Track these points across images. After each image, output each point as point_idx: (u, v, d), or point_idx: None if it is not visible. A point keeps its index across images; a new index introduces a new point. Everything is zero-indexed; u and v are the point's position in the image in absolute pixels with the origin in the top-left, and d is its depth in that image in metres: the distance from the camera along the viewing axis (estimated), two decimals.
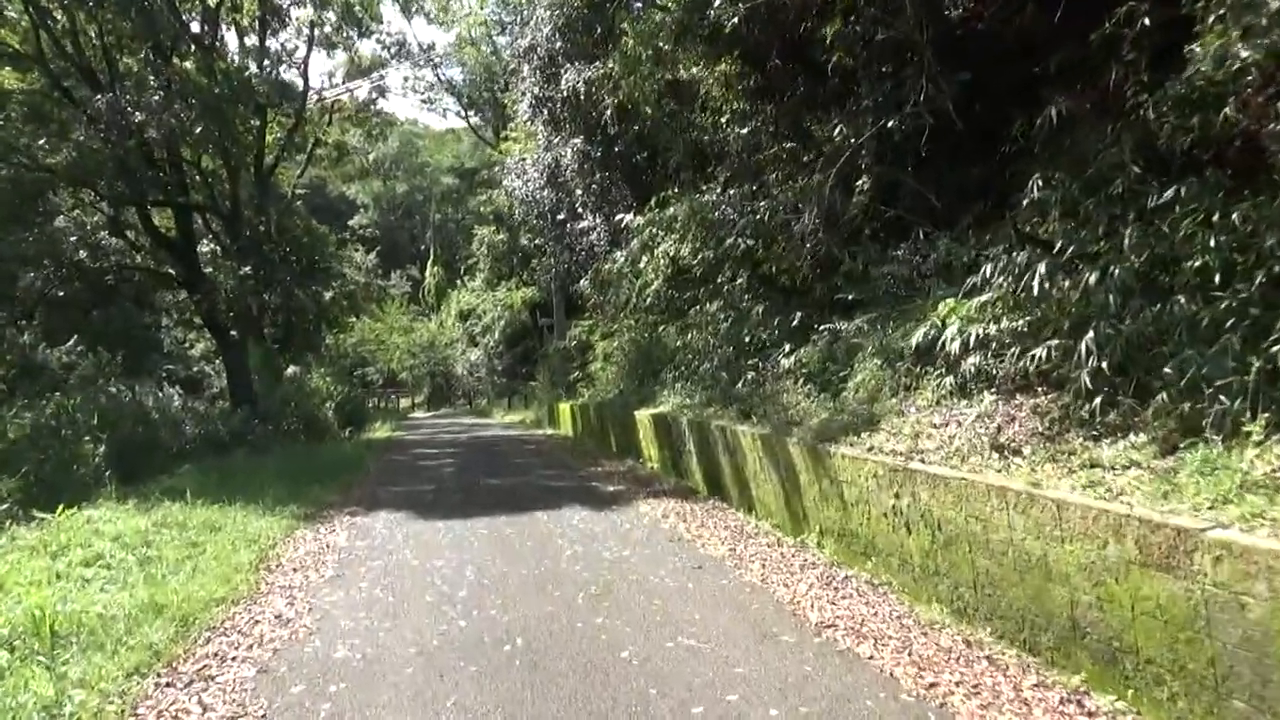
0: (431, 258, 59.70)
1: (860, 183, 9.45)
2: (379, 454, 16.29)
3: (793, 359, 9.68)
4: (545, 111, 18.91)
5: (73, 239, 19.90)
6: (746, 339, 11.20)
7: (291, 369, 33.40)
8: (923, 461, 5.63)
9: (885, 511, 5.93)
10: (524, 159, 21.93)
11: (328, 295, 22.91)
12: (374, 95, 38.38)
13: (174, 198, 21.79)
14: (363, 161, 43.53)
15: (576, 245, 19.81)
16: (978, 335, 6.25)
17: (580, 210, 19.31)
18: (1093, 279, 5.45)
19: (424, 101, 53.50)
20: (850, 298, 9.80)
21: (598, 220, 18.42)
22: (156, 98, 17.89)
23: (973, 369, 6.27)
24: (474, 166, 43.72)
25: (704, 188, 13.66)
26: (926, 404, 6.64)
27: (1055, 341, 5.40)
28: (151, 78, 19.19)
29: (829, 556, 6.50)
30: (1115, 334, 5.12)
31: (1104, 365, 5.01)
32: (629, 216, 14.30)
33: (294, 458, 13.96)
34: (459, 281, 48.87)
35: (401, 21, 61.26)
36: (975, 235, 8.38)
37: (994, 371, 6.20)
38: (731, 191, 13.17)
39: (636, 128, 17.85)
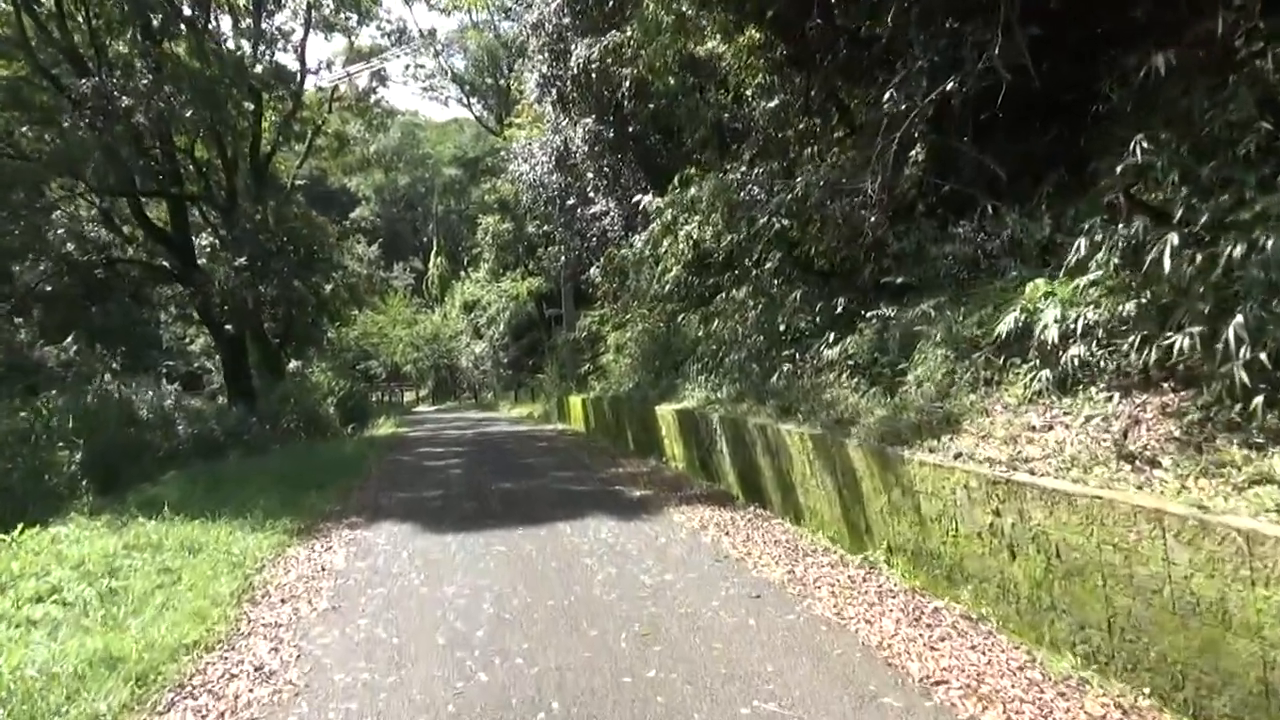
0: (435, 249, 58.74)
1: (913, 154, 8.49)
2: (382, 453, 15.38)
3: (837, 349, 8.76)
4: (554, 91, 17.95)
5: (60, 230, 18.97)
6: (781, 327, 10.26)
7: (294, 364, 32.60)
8: (1031, 473, 4.69)
9: (979, 531, 5.00)
10: (531, 143, 20.96)
11: (327, 287, 21.96)
12: (374, 84, 37.47)
13: (167, 188, 20.90)
14: (363, 152, 42.46)
15: (587, 231, 18.86)
16: (1084, 321, 5.32)
17: (591, 194, 18.36)
18: (1237, 252, 4.51)
19: (425, 89, 52.46)
20: (899, 281, 8.87)
21: (610, 204, 17.46)
22: (145, 81, 16.96)
23: (1075, 361, 5.33)
24: (477, 155, 42.67)
25: (728, 166, 12.70)
26: (1016, 401, 5.71)
27: (1197, 329, 4.46)
28: (139, 61, 18.26)
29: (905, 580, 5.57)
30: (1271, 318, 4.19)
31: (1263, 356, 4.09)
32: (646, 198, 13.34)
33: (292, 459, 13.06)
34: (463, 273, 47.95)
35: (402, 9, 60.14)
36: (1051, 208, 7.44)
37: (1102, 364, 5.26)
38: (758, 170, 12.23)
39: (652, 106, 16.91)
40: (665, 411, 12.25)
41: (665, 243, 12.45)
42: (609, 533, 7.23)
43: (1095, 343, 5.32)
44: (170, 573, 5.94)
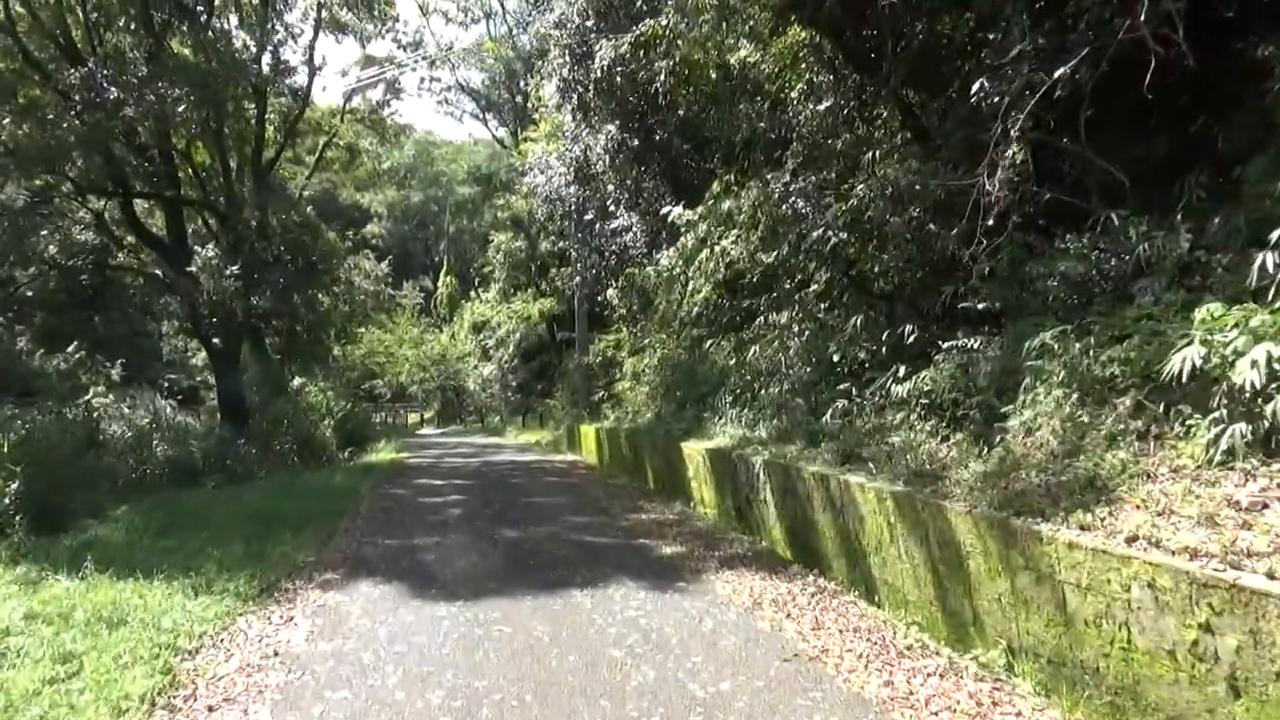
0: (445, 267, 57.65)
1: (1009, 155, 7.09)
2: (376, 484, 13.95)
3: (908, 385, 7.36)
4: (574, 97, 16.70)
5: (45, 232, 17.73)
6: (835, 357, 8.86)
7: (298, 382, 31.29)
8: (1272, 576, 3.28)
9: (1172, 648, 3.58)
10: (548, 155, 19.71)
11: (325, 301, 20.64)
12: (388, 96, 36.46)
13: (161, 191, 19.69)
14: (375, 165, 41.39)
15: (606, 248, 17.55)
16: None
17: (612, 208, 17.06)
18: None
19: (440, 102, 51.57)
20: (980, 307, 7.51)
21: (633, 218, 16.15)
22: (141, 73, 15.79)
23: None
24: (491, 172, 41.57)
25: (769, 177, 11.38)
26: (1193, 464, 4.29)
27: None
28: (132, 53, 17.12)
29: (1049, 701, 4.14)
30: None
31: None
32: (676, 210, 12.01)
33: (273, 490, 11.67)
34: (473, 293, 46.74)
35: (419, 20, 59.61)
36: (1187, 219, 6.06)
37: None
38: (803, 180, 10.91)
39: (681, 113, 15.64)
40: (694, 450, 10.85)
41: (698, 259, 11.09)
42: (639, 608, 5.80)
43: None
44: (71, 660, 4.54)
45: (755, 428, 10.55)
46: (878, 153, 9.59)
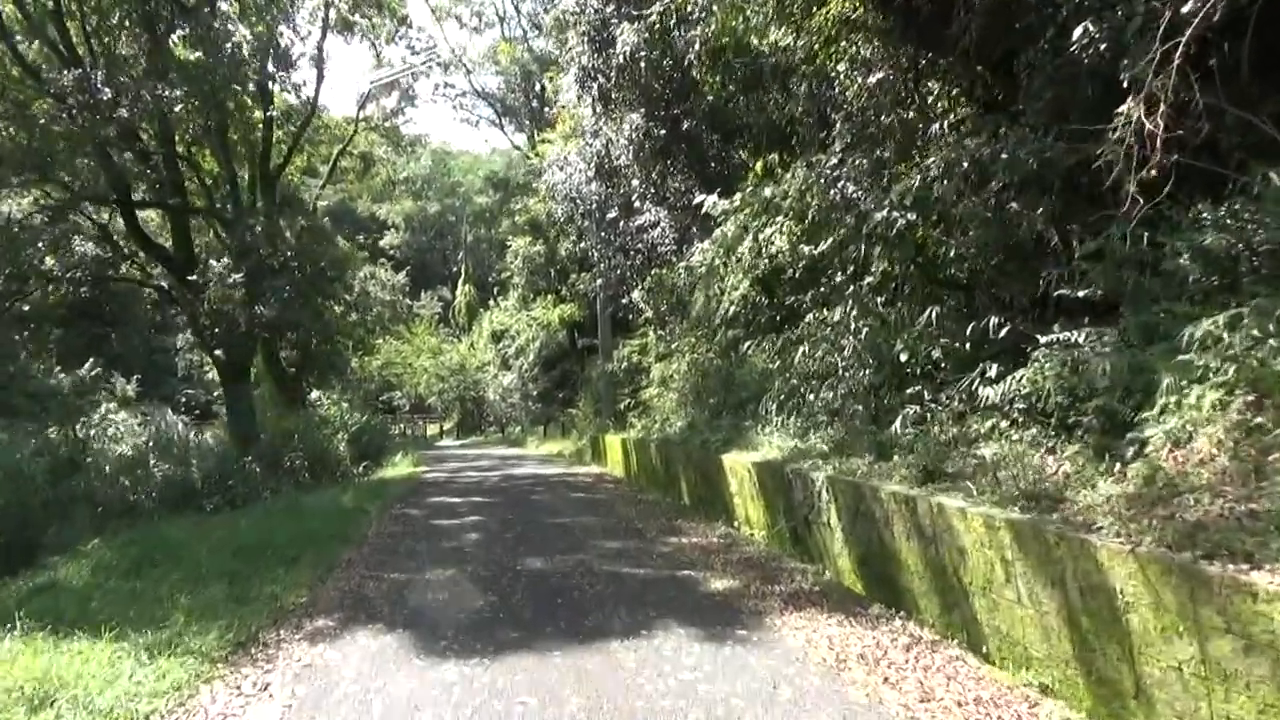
0: (463, 276, 56.80)
1: (1124, 113, 5.91)
2: (388, 504, 12.87)
3: (1002, 387, 6.23)
4: (594, 86, 15.68)
5: (40, 244, 16.86)
6: (903, 356, 7.72)
7: (315, 395, 30.48)
8: None
9: None
10: (567, 152, 18.66)
11: (338, 309, 19.65)
12: (402, 104, 35.68)
13: (165, 198, 18.85)
14: (390, 173, 40.56)
15: (631, 247, 16.47)
16: None
17: (637, 204, 16.00)
18: None
19: (456, 108, 50.81)
20: (1081, 294, 6.37)
21: (660, 214, 15.06)
22: (137, 72, 14.92)
23: None
24: (508, 177, 40.63)
25: (813, 160, 10.27)
26: None
27: None
28: (129, 50, 16.26)
29: None
30: None
31: None
32: (710, 199, 10.92)
33: (274, 514, 10.63)
34: (491, 302, 45.83)
35: (434, 28, 59.01)
36: None
37: None
38: (855, 160, 9.80)
39: (710, 99, 14.58)
40: (736, 463, 9.72)
41: (738, 251, 9.98)
42: (695, 668, 4.68)
43: None
44: None
45: (806, 437, 9.44)
46: (945, 123, 8.43)
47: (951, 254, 7.53)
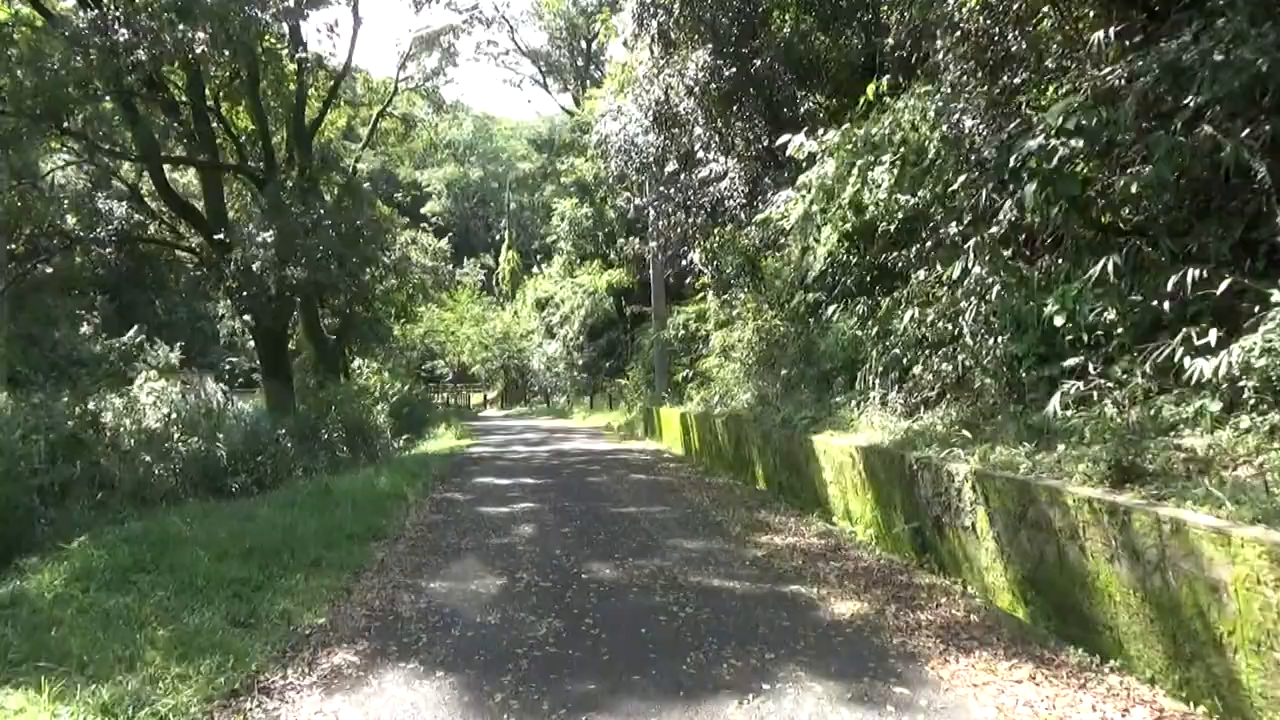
0: (506, 243, 55.58)
1: None
2: (429, 486, 11.61)
3: (1224, 358, 4.74)
4: (654, 23, 14.13)
5: (64, 200, 15.82)
6: (1058, 320, 6.18)
7: (358, 363, 29.56)
8: None
9: None
10: (620, 103, 17.09)
11: (372, 273, 18.40)
12: (444, 63, 34.33)
13: (195, 155, 17.73)
14: (431, 134, 39.23)
15: (693, 203, 14.92)
16: None
17: (700, 153, 14.45)
18: None
19: (498, 65, 49.34)
20: None
21: (729, 164, 13.50)
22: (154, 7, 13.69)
23: None
24: (553, 138, 39.08)
25: (921, 91, 8.67)
26: None
27: None
28: None
29: None
30: None
31: None
32: (797, 139, 9.36)
33: (303, 498, 9.40)
34: (534, 269, 44.56)
35: None
36: None
37: None
38: (973, 92, 8.19)
39: (787, 31, 12.96)
40: (831, 446, 8.27)
41: (840, 198, 8.44)
42: None
43: None
44: None
45: (916, 416, 7.99)
46: (1108, 31, 6.79)
47: (1131, 191, 5.94)
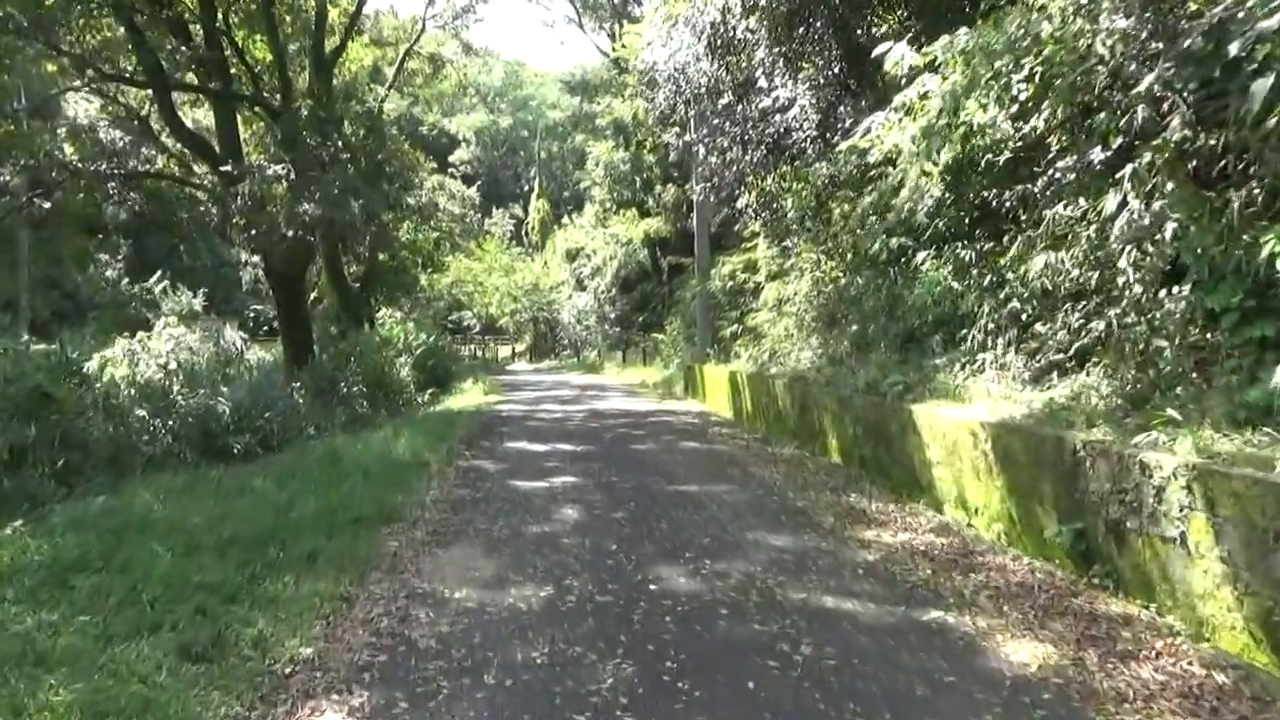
0: (536, 192, 53.96)
1: None
2: (454, 451, 10.20)
3: None
4: None
5: (61, 129, 14.46)
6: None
7: (384, 313, 28.25)
8: None
9: None
10: (671, 25, 15.35)
11: (397, 214, 16.92)
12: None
13: (205, 82, 16.30)
14: (461, 76, 37.43)
15: (751, 136, 13.27)
16: None
17: (762, 81, 12.78)
18: None
19: (532, 2, 47.11)
20: None
21: (799, 90, 11.83)
22: None
23: None
24: (587, 79, 37.14)
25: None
26: None
27: None
28: None
29: None
30: None
31: None
32: (899, 48, 7.72)
33: (309, 465, 8.08)
34: (565, 220, 42.96)
35: None
36: None
37: None
38: None
39: None
40: (941, 420, 6.78)
41: (964, 112, 6.81)
42: None
43: None
44: None
45: (1046, 384, 6.53)
46: None
47: None
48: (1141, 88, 5.45)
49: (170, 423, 9.80)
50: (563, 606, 4.49)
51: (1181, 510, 4.20)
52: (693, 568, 5.15)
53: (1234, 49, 4.70)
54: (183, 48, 15.66)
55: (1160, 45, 5.67)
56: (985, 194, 8.78)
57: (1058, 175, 7.33)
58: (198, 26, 15.99)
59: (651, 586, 4.79)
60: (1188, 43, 5.07)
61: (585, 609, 4.45)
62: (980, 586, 4.69)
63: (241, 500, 6.32)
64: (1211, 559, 4.04)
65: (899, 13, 11.85)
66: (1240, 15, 4.75)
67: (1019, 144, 7.85)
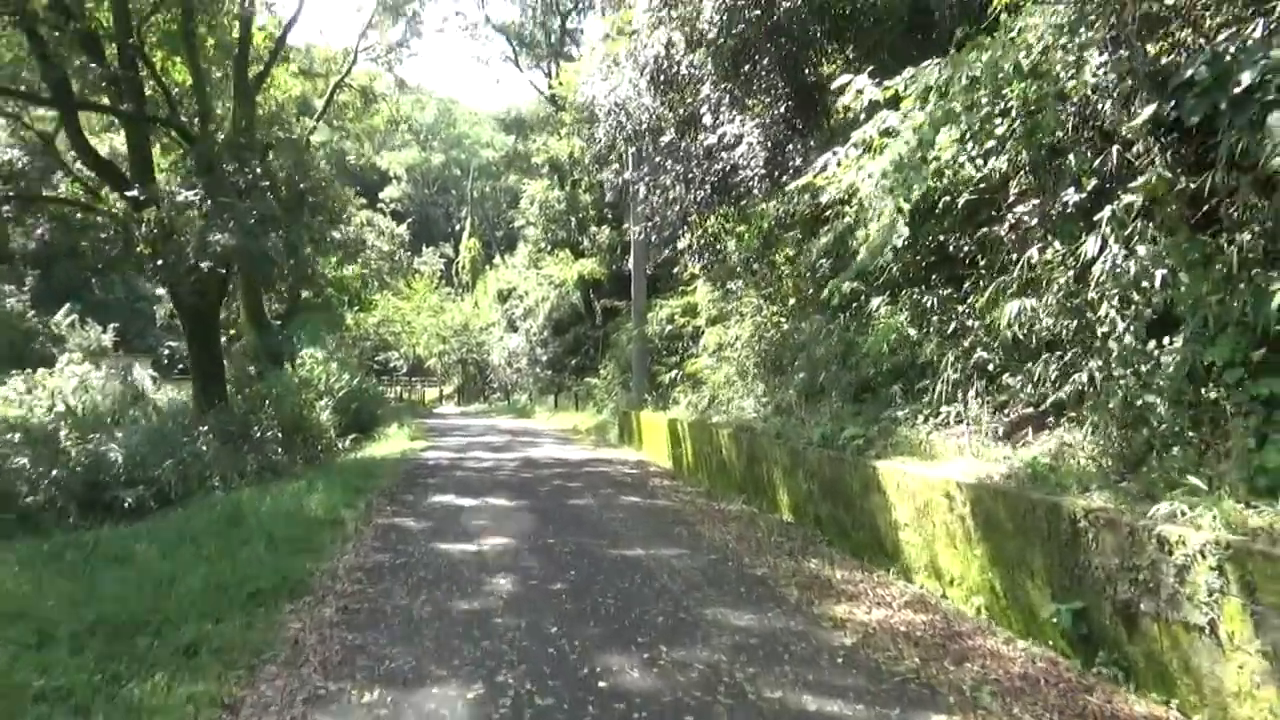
0: (467, 231, 53.09)
1: None
2: (374, 506, 9.30)
3: None
4: None
5: None
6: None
7: (307, 352, 26.97)
8: None
9: None
10: (614, 55, 14.89)
11: (316, 246, 15.95)
12: (407, 34, 32.01)
13: (116, 103, 15.24)
14: (393, 110, 36.58)
15: (695, 174, 12.80)
16: None
17: (708, 118, 12.38)
18: None
19: (469, 37, 46.83)
20: None
21: (746, 126, 11.42)
22: None
23: None
24: (522, 117, 36.61)
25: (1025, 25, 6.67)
26: None
27: None
28: None
29: None
30: None
31: None
32: (859, 80, 7.30)
33: (203, 529, 7.16)
34: (496, 260, 42.20)
35: None
36: None
37: None
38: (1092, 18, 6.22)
39: None
40: (910, 478, 6.23)
41: (931, 150, 6.37)
42: None
43: None
44: None
45: (1020, 441, 6.10)
46: None
47: None
48: (1138, 121, 5.05)
49: (55, 472, 8.72)
50: (495, 714, 3.73)
51: (1211, 594, 3.68)
52: (648, 656, 4.44)
53: (1246, 78, 4.31)
54: (93, 65, 14.64)
55: (1148, 78, 5.32)
56: (943, 238, 8.45)
57: (1023, 218, 7.00)
58: (111, 44, 15.03)
59: (600, 684, 4.06)
60: (1189, 72, 4.67)
61: (523, 716, 3.69)
62: (979, 680, 4.09)
63: (117, 571, 5.39)
64: (1250, 653, 3.51)
65: (847, 52, 11.60)
66: (1249, 44, 4.38)
67: (980, 186, 7.55)
